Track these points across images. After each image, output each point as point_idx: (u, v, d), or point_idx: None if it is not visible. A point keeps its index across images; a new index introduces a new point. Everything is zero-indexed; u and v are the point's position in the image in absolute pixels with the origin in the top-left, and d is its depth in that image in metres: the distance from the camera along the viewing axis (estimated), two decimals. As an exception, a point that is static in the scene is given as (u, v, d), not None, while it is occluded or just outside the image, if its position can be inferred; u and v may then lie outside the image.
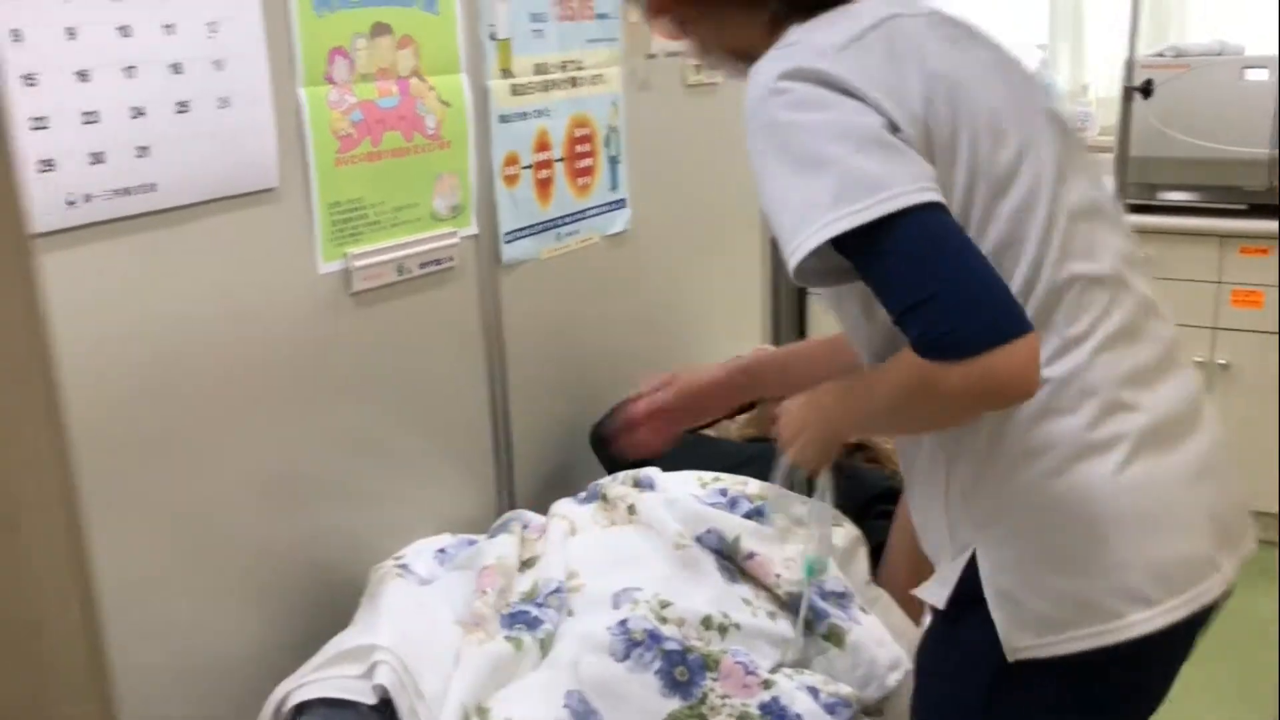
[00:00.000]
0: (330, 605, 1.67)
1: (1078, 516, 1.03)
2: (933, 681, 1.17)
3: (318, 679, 1.34)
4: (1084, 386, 1.04)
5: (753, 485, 1.76)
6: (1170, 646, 1.13)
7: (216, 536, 1.51)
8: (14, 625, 0.44)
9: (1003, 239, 1.03)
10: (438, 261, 1.80)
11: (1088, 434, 1.03)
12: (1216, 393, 3.24)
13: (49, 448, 0.45)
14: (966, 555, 1.07)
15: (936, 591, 1.11)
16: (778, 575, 1.59)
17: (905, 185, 0.96)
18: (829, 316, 3.90)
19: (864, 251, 0.96)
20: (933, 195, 0.96)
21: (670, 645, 1.39)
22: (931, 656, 1.17)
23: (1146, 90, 2.95)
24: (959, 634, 1.10)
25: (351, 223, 1.65)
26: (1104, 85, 3.81)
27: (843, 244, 0.96)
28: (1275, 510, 3.24)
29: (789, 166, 1.00)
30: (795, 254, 0.98)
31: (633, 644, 1.39)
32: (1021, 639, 1.04)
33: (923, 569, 1.70)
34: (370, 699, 1.31)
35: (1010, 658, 1.04)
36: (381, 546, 1.75)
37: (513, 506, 2.04)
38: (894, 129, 1.00)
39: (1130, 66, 2.96)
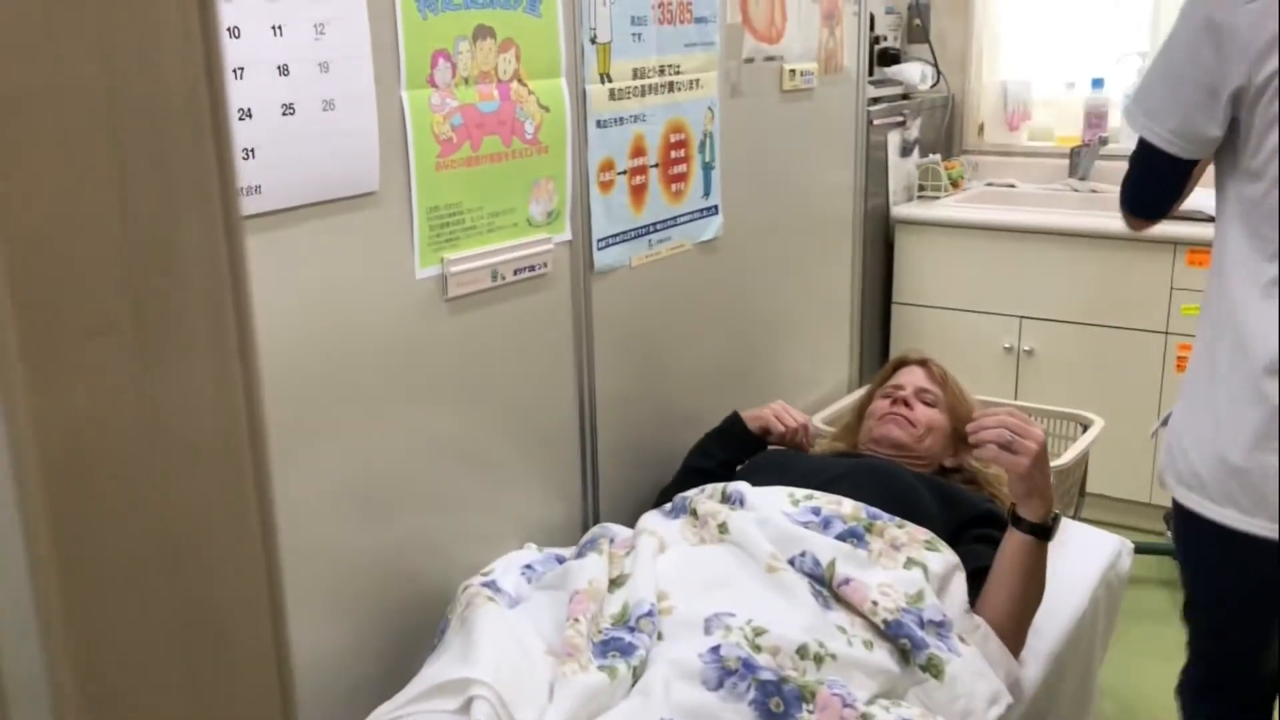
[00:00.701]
0: (415, 617, 1.66)
1: None
2: None
3: (414, 713, 1.32)
4: None
5: (846, 505, 1.71)
6: None
7: (301, 544, 1.50)
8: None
9: None
10: (532, 268, 1.78)
11: None
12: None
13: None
14: None
15: None
16: (874, 603, 1.54)
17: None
18: (910, 329, 3.90)
19: None
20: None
21: (765, 675, 1.35)
22: None
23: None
24: None
25: (449, 228, 1.63)
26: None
27: None
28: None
29: None
30: None
31: (726, 673, 1.35)
32: None
33: (1025, 599, 1.64)
34: None
35: None
36: (466, 557, 1.73)
37: (597, 518, 2.01)
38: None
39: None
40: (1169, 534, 3.28)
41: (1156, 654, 2.82)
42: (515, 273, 1.75)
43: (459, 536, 1.74)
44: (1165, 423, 1.67)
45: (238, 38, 1.31)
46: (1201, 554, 1.62)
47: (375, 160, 1.50)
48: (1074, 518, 2.48)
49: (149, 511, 0.39)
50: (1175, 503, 1.61)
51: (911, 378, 2.11)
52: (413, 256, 1.58)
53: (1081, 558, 2.06)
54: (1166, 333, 3.27)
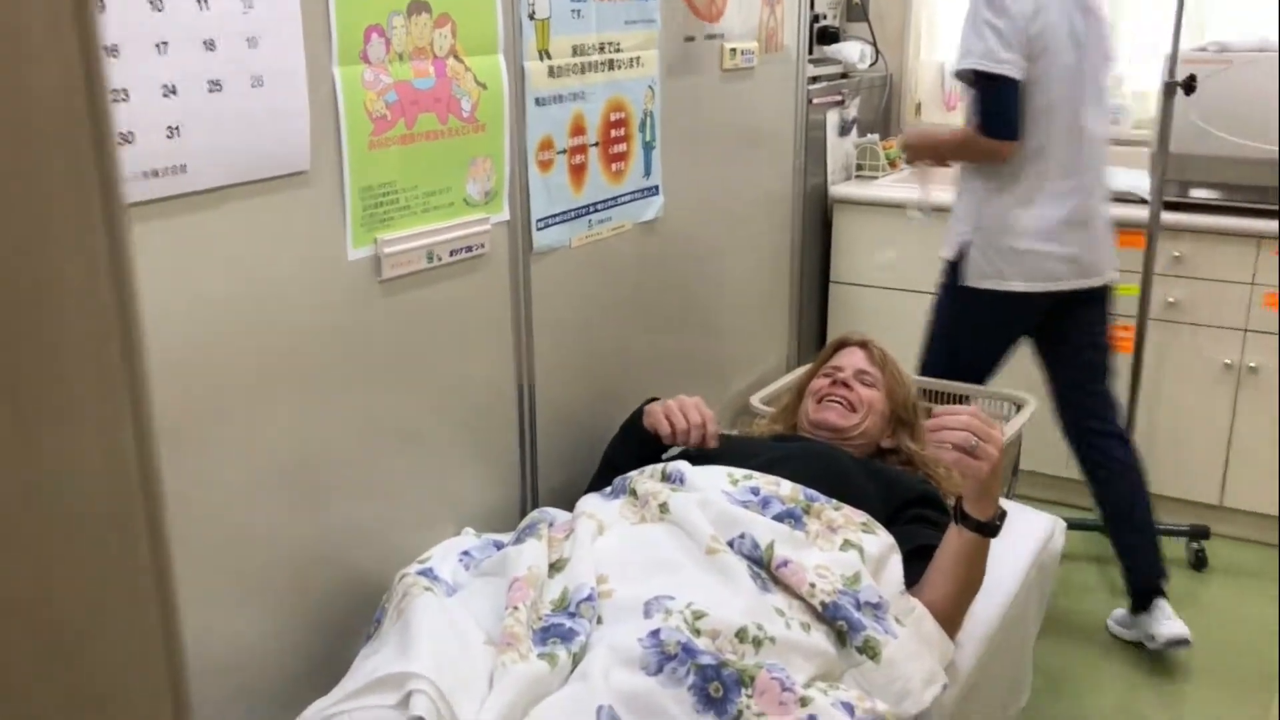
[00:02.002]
0: (350, 606, 1.63)
1: None
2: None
3: (353, 708, 1.29)
4: None
5: (785, 486, 1.72)
6: None
7: (230, 531, 1.46)
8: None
9: None
10: (469, 248, 1.75)
11: None
12: (1245, 396, 3.19)
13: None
14: None
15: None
16: (811, 584, 1.55)
17: None
18: (847, 309, 4.10)
19: None
20: None
21: (705, 659, 1.34)
22: None
23: (1190, 86, 2.88)
24: None
25: (383, 208, 1.59)
26: (1138, 78, 3.73)
27: None
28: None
29: None
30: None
31: (666, 657, 1.35)
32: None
33: (965, 589, 1.66)
34: None
35: None
36: (403, 543, 1.70)
37: (535, 501, 1.99)
38: None
39: (1173, 61, 2.89)
40: (1098, 509, 3.35)
41: (1084, 628, 2.89)
42: (452, 253, 1.72)
43: (395, 522, 1.71)
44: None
45: (160, 10, 1.26)
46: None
47: (306, 138, 1.45)
48: (1008, 496, 2.51)
49: (25, 591, 0.36)
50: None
51: (851, 359, 2.12)
52: (345, 237, 1.54)
53: (1015, 538, 2.08)
54: (1097, 313, 3.32)
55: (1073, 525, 3.19)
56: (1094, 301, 2.74)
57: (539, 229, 1.89)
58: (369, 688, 1.30)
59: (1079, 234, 2.62)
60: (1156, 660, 2.74)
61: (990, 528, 1.62)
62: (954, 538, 1.65)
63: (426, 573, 1.57)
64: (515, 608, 1.42)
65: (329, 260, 1.53)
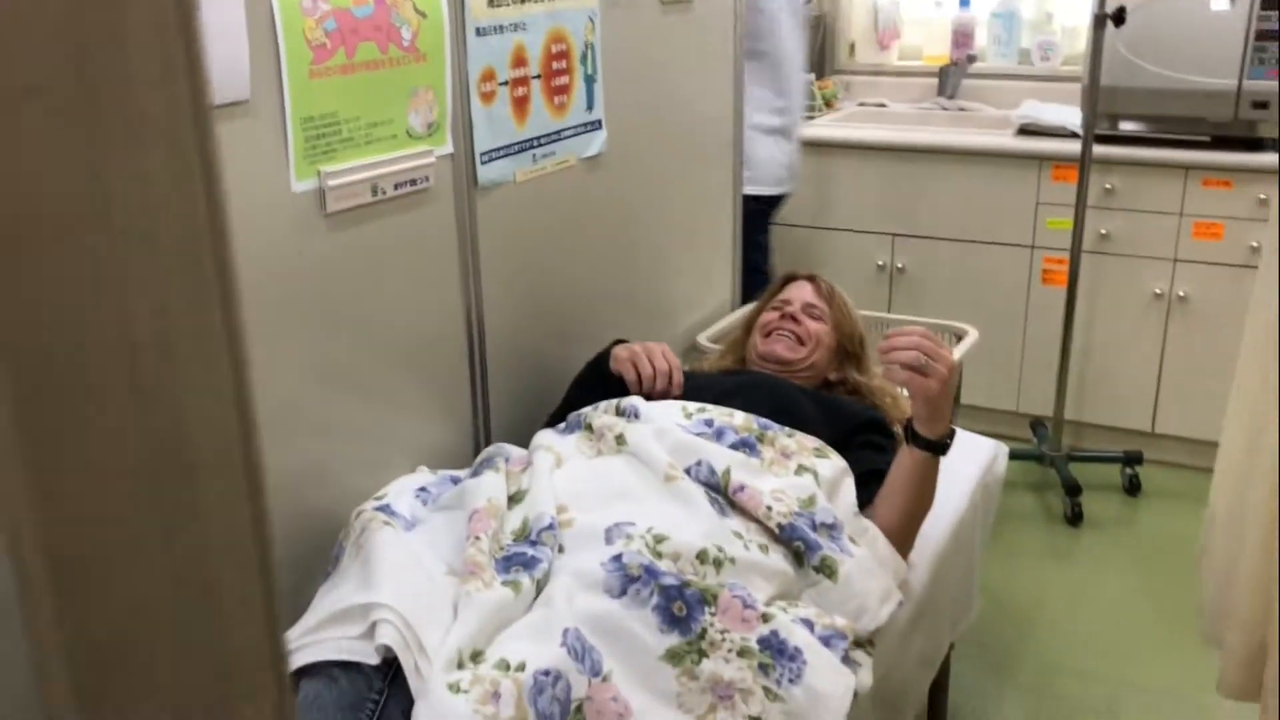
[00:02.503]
0: (304, 547, 1.61)
1: None
2: None
3: (316, 641, 1.28)
4: None
5: (738, 417, 1.73)
6: None
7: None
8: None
9: None
10: (413, 182, 1.72)
11: None
12: (1175, 324, 3.27)
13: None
14: None
15: None
16: (768, 508, 1.56)
17: None
18: (787, 249, 4.10)
19: None
20: None
21: (667, 580, 1.35)
22: None
23: (1119, 18, 2.91)
24: None
25: (325, 139, 1.56)
26: (1069, 14, 3.77)
27: None
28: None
29: None
30: None
31: (629, 579, 1.35)
32: None
33: (917, 508, 1.68)
34: (373, 659, 1.25)
35: None
36: (355, 484, 1.69)
37: (489, 438, 1.98)
38: None
39: (1103, -7, 2.93)
40: (1035, 439, 3.43)
41: (1026, 553, 2.97)
42: (396, 187, 1.69)
43: (347, 464, 1.69)
44: None
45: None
46: None
47: (245, 66, 1.41)
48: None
49: (104, 311, 0.35)
50: None
51: (800, 293, 2.13)
52: (288, 169, 1.51)
53: (960, 462, 2.12)
54: (1033, 246, 3.38)
55: (1011, 455, 3.26)
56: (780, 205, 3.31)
57: (483, 163, 1.87)
58: (332, 619, 1.29)
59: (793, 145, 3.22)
60: (1099, 581, 2.82)
61: (941, 446, 1.65)
62: (905, 458, 1.68)
63: (384, 509, 1.55)
64: (476, 538, 1.42)
65: (274, 192, 1.50)
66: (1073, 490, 3.09)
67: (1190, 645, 2.54)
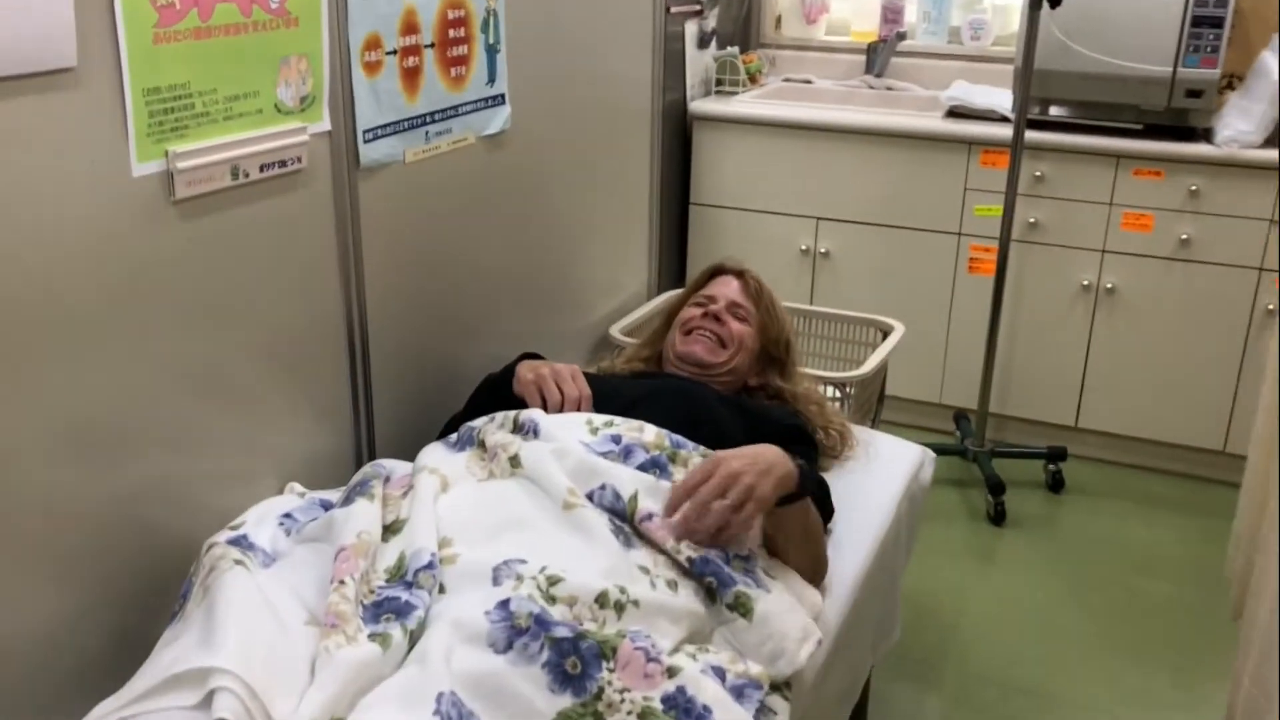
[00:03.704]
0: (154, 577, 1.41)
1: None
2: None
3: (142, 713, 1.08)
4: None
5: (649, 432, 1.56)
6: None
7: (5, 494, 1.23)
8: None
9: None
10: (282, 163, 1.51)
11: None
12: (1102, 316, 3.19)
13: None
14: None
15: None
16: (677, 539, 1.41)
17: None
18: (707, 231, 3.86)
19: None
20: None
21: (560, 632, 1.19)
22: None
23: (1055, 0, 2.79)
24: None
25: (174, 114, 1.35)
26: (1001, -9, 3.65)
27: None
28: (1161, 439, 3.24)
29: None
30: None
31: (516, 632, 1.18)
32: None
33: (809, 545, 1.55)
34: None
35: None
36: (217, 502, 1.49)
37: (372, 450, 1.79)
38: None
39: (1039, -28, 2.80)
40: (958, 433, 3.33)
41: (948, 552, 2.86)
42: (262, 169, 1.48)
43: (207, 479, 1.49)
44: None
45: None
46: None
47: (70, 28, 1.20)
48: (873, 425, 2.43)
49: None
50: None
51: (726, 289, 1.97)
52: (127, 149, 1.30)
53: (885, 470, 1.99)
54: (960, 234, 3.27)
55: (936, 450, 3.16)
56: None
57: (366, 141, 1.66)
58: (165, 685, 1.10)
59: None
60: (1022, 584, 2.73)
61: (800, 494, 1.49)
62: (779, 517, 1.51)
63: (239, 540, 1.36)
64: (341, 582, 1.23)
65: (108, 176, 1.28)
66: (996, 489, 3.00)
67: (1115, 655, 2.47)
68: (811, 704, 1.52)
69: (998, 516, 2.98)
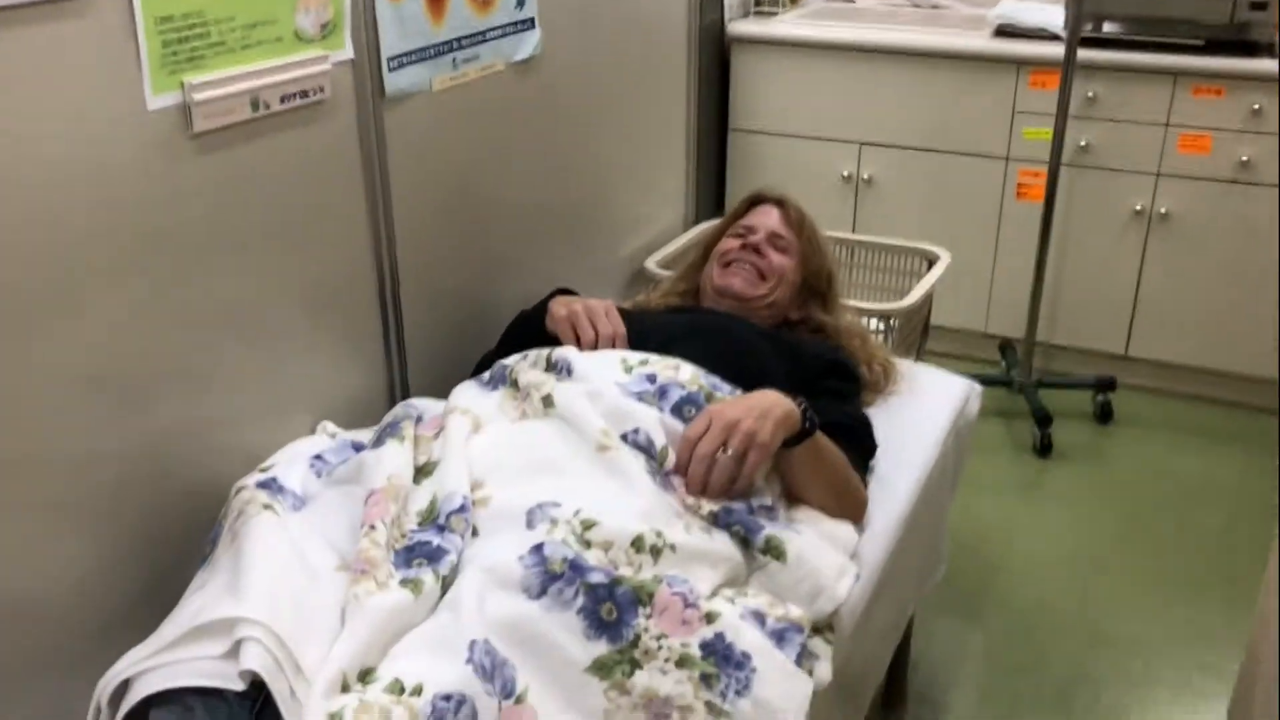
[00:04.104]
0: (185, 521, 1.39)
1: None
2: None
3: (170, 663, 1.06)
4: None
5: (685, 371, 1.51)
6: None
7: (33, 446, 1.20)
8: None
9: None
10: (304, 93, 1.46)
11: None
12: (1154, 243, 3.08)
13: None
14: None
15: None
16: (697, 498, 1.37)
17: None
18: (747, 158, 3.69)
19: None
20: None
21: (595, 578, 1.15)
22: None
23: (1112, -92, 2.65)
24: None
25: (189, 44, 1.29)
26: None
27: None
28: (1214, 368, 3.15)
29: None
30: None
31: (550, 578, 1.15)
32: None
33: (831, 481, 1.50)
34: (238, 685, 1.04)
35: None
36: (250, 442, 1.47)
37: (405, 387, 1.76)
38: None
39: (1096, -121, 2.66)
40: (1004, 363, 3.26)
41: (993, 486, 2.81)
42: (283, 100, 1.43)
43: (235, 420, 1.47)
44: None
45: None
46: None
47: (75, -48, 1.14)
48: (917, 358, 2.36)
49: None
50: None
51: (766, 219, 1.90)
52: (141, 81, 1.25)
53: (930, 405, 1.93)
54: (1007, 158, 3.16)
55: (982, 381, 3.09)
56: None
57: (391, 70, 1.60)
58: (193, 634, 1.07)
59: None
60: (1069, 518, 2.68)
61: (808, 430, 1.44)
62: (788, 459, 1.46)
63: (269, 483, 1.33)
64: (372, 526, 1.21)
65: (122, 110, 1.24)
66: (1043, 420, 2.93)
67: (1165, 589, 2.41)
68: (854, 646, 1.48)
69: (1044, 449, 2.92)
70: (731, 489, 1.38)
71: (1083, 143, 3.06)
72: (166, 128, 1.29)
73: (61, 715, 1.24)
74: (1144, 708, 2.09)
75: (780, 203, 1.95)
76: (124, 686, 1.08)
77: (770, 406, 1.40)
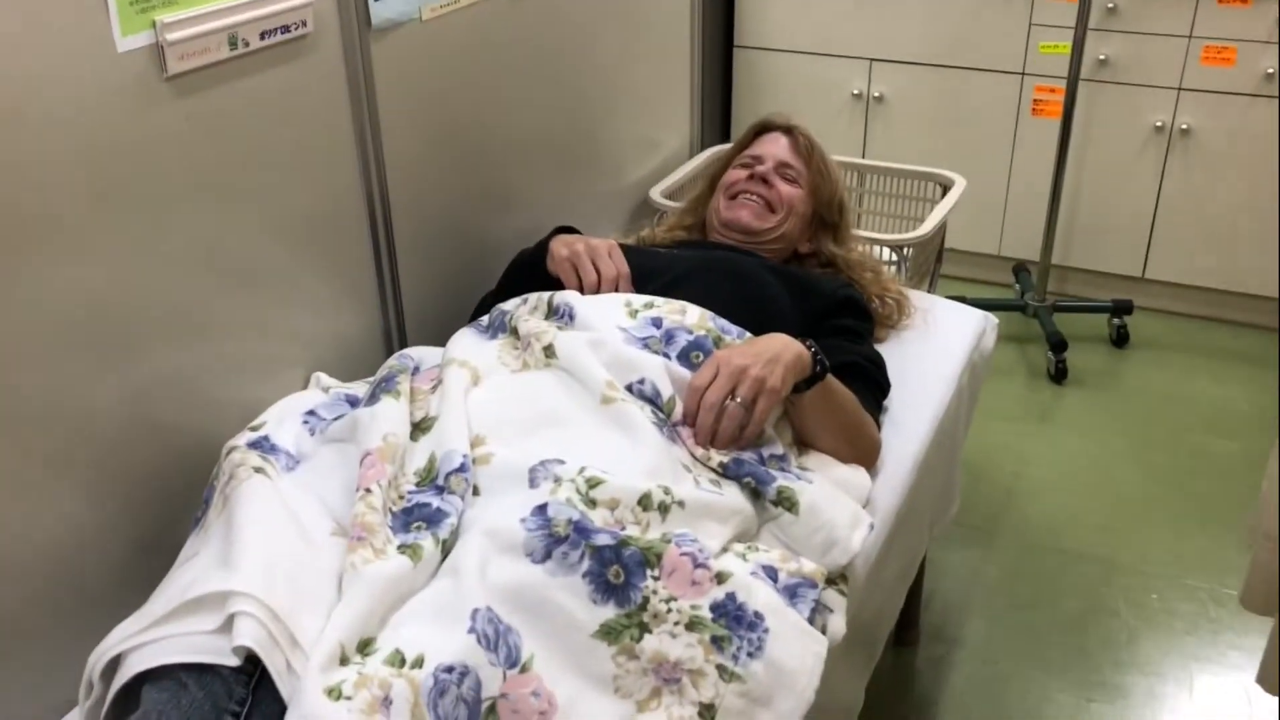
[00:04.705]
0: (178, 478, 1.35)
1: None
2: None
3: (161, 638, 1.03)
4: None
5: (691, 314, 1.45)
6: None
7: (15, 404, 1.16)
8: None
9: None
10: (285, 28, 1.38)
11: None
12: (1175, 160, 2.99)
13: None
14: None
15: None
16: (705, 448, 1.32)
17: None
18: (753, 77, 3.53)
19: None
20: None
21: (601, 540, 1.11)
22: None
23: None
24: None
25: (159, -21, 1.21)
26: None
27: None
28: (1234, 289, 3.08)
29: None
30: None
31: (554, 540, 1.11)
32: None
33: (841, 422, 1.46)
34: (232, 660, 1.01)
35: None
36: (238, 394, 1.42)
37: (401, 329, 1.71)
38: None
39: None
40: (1018, 286, 3.19)
41: (1006, 413, 2.76)
42: (263, 36, 1.35)
43: (229, 370, 1.42)
44: None
45: None
46: None
47: (30, -117, 1.06)
48: (930, 289, 2.30)
49: None
50: None
51: (774, 148, 1.83)
52: (109, 22, 1.17)
53: (944, 340, 1.87)
54: (1023, 74, 3.05)
55: (995, 306, 3.03)
56: None
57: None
58: (184, 608, 1.04)
59: None
60: (1084, 445, 2.63)
61: (819, 375, 1.39)
62: (798, 404, 1.41)
63: (260, 443, 1.29)
64: (368, 490, 1.16)
65: (90, 56, 1.16)
66: (1058, 346, 2.87)
67: (1181, 518, 2.38)
68: (868, 594, 1.45)
69: (1059, 374, 2.87)
70: (741, 437, 1.33)
71: (1101, 56, 2.95)
72: (138, 71, 1.21)
73: (50, 680, 1.22)
74: (1158, 640, 2.07)
75: (788, 130, 1.87)
76: (116, 661, 1.05)
77: (779, 351, 1.35)
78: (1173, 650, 2.05)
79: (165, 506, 1.34)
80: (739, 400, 1.31)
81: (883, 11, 3.13)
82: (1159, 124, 2.97)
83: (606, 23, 2.13)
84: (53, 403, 1.20)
